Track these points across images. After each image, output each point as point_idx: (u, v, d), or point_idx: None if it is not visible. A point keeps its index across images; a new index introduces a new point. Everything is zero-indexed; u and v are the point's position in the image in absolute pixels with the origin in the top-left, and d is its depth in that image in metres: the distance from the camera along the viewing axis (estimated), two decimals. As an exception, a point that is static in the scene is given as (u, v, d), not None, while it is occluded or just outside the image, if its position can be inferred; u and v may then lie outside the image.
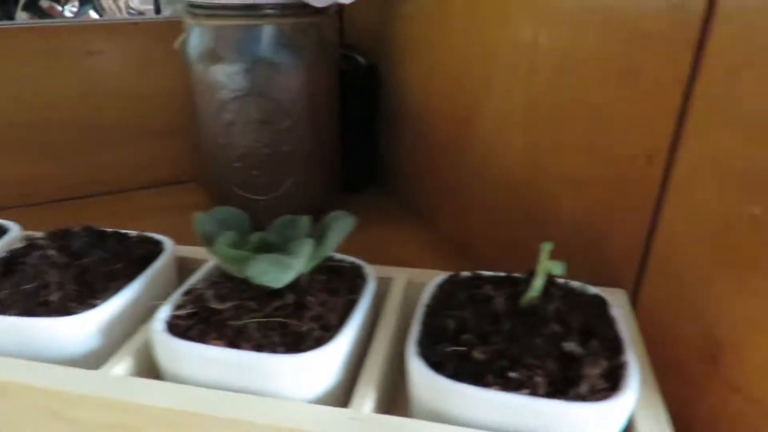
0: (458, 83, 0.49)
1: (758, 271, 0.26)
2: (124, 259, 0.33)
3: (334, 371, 0.27)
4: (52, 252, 0.32)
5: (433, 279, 0.31)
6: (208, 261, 0.35)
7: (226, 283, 0.30)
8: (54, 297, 0.30)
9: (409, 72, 0.58)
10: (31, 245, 0.34)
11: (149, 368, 0.29)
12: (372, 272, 0.33)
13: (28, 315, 0.29)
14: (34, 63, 0.61)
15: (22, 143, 0.62)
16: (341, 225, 0.30)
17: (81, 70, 0.63)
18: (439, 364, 0.24)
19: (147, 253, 0.34)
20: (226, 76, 0.51)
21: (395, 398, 0.29)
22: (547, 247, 0.26)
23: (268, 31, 0.50)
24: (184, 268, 0.37)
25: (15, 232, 0.38)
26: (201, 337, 0.26)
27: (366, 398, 0.25)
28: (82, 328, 0.29)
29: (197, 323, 0.27)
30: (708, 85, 0.27)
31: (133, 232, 0.36)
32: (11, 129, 0.61)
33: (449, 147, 0.52)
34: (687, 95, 0.28)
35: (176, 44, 0.56)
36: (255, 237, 0.30)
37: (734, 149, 0.26)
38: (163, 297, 0.32)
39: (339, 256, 0.34)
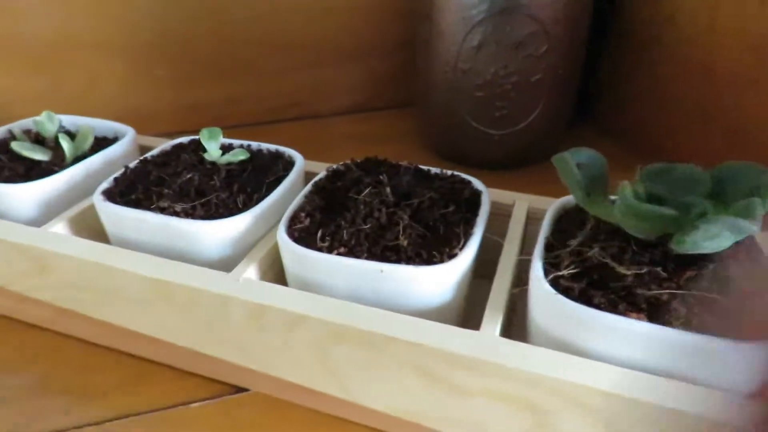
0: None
1: None
2: (453, 201, 0.29)
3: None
4: (386, 189, 0.29)
5: None
6: (517, 204, 0.31)
7: (611, 240, 0.25)
8: (403, 242, 0.26)
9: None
10: (350, 178, 0.31)
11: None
12: None
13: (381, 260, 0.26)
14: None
15: (212, 62, 0.60)
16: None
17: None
18: None
19: (470, 195, 0.30)
20: (483, -9, 0.44)
21: None
22: None
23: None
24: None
25: (300, 162, 0.36)
26: (611, 307, 0.22)
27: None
28: (440, 277, 0.25)
29: (591, 288, 0.23)
30: None
31: (447, 172, 0.33)
32: (199, 46, 0.59)
33: (730, 81, 0.43)
34: None
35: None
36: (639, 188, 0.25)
37: None
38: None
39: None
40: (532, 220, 0.33)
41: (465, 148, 0.53)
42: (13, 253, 0.31)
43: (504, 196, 0.34)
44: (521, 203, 0.33)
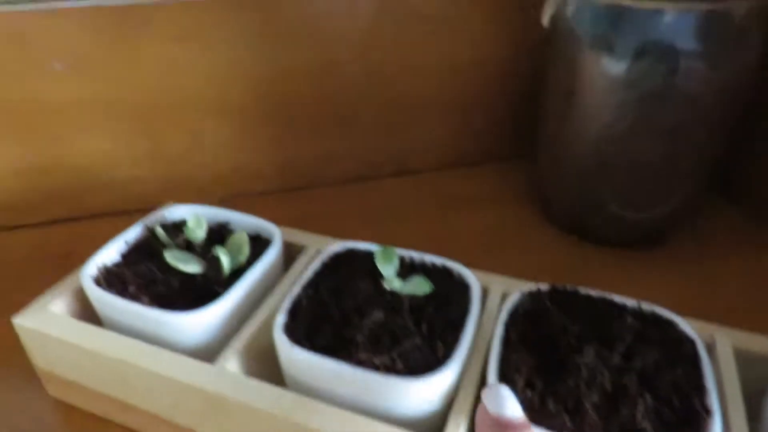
0: None
1: None
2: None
3: None
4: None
5: None
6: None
7: None
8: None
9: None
10: (554, 323, 0.28)
11: None
12: None
13: None
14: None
15: (312, 119, 0.58)
16: None
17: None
18: None
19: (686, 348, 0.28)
20: (638, 73, 0.41)
21: None
22: None
23: (711, 19, 0.39)
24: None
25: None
26: None
27: None
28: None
29: None
30: None
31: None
32: (301, 103, 0.56)
33: None
34: None
35: (545, 19, 0.47)
36: None
37: None
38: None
39: None
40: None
41: (592, 226, 0.50)
42: (191, 394, 0.29)
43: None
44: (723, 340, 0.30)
